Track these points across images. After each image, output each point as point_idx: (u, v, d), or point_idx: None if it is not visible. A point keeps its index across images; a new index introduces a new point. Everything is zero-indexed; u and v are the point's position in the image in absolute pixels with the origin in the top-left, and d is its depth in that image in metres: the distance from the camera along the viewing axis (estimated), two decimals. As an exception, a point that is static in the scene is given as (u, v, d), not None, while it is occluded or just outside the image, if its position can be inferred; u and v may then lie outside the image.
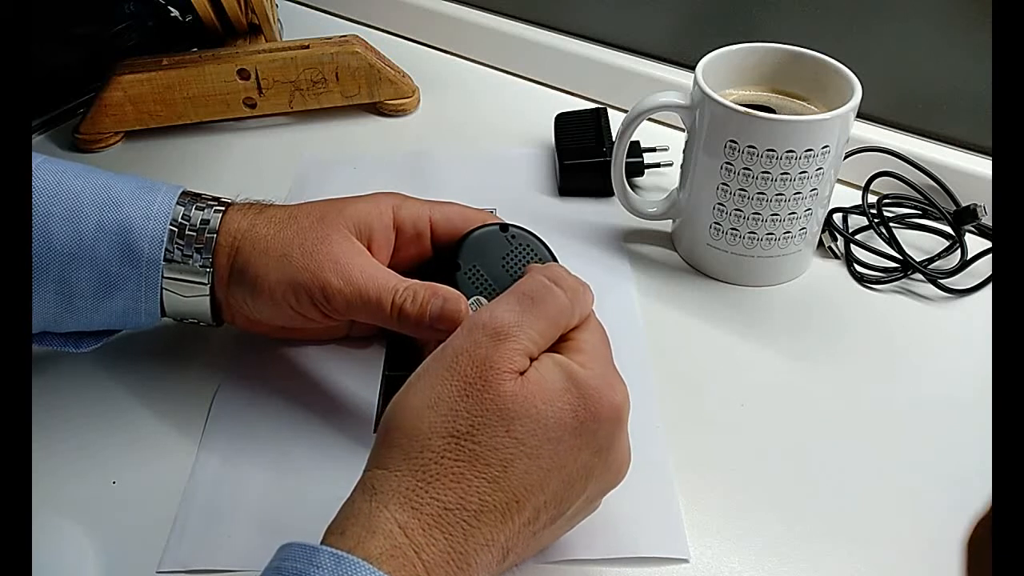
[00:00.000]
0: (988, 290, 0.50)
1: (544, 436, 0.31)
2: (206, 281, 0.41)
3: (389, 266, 0.42)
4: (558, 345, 0.34)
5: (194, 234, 0.40)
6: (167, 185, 0.42)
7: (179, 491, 0.39)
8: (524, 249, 0.42)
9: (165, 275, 0.40)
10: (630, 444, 0.35)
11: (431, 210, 0.44)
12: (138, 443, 0.42)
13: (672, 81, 0.65)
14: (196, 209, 0.41)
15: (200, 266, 0.40)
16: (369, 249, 0.41)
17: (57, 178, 0.40)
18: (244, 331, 0.45)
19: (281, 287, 0.40)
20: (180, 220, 0.40)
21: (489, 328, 0.32)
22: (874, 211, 0.53)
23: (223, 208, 0.42)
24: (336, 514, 0.31)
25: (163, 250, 0.40)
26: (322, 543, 0.29)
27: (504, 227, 0.43)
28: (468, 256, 0.41)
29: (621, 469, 0.35)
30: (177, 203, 0.41)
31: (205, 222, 0.41)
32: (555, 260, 0.43)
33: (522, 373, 0.32)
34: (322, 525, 0.38)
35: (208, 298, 0.41)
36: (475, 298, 0.40)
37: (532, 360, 0.33)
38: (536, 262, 0.42)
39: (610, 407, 0.32)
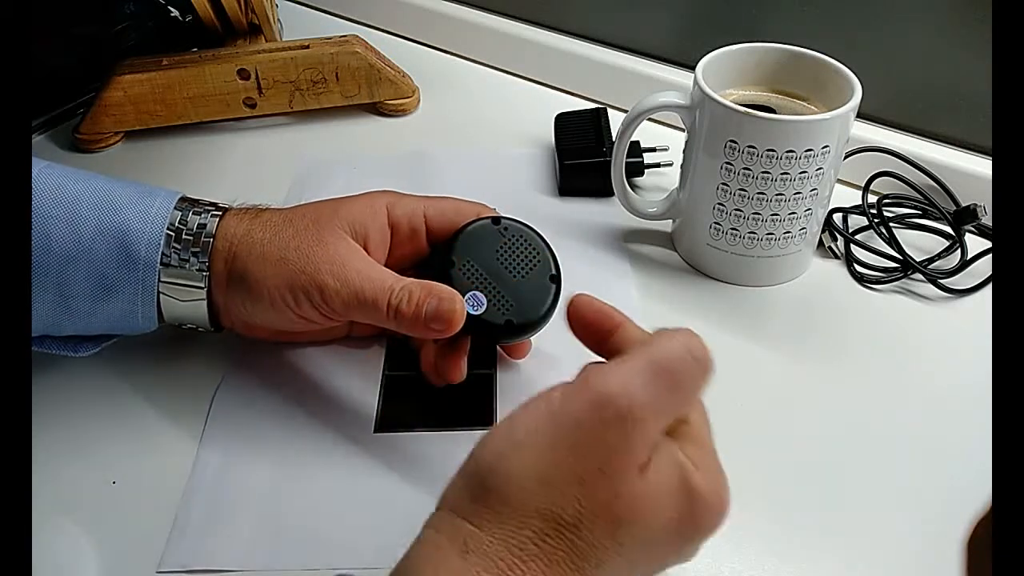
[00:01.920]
0: (988, 290, 0.50)
1: (644, 540, 0.29)
2: (203, 285, 0.41)
3: (386, 264, 0.42)
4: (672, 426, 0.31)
5: (191, 238, 0.41)
6: (165, 190, 0.42)
7: (179, 491, 0.39)
8: (518, 241, 0.42)
9: (162, 279, 0.40)
10: None
11: (425, 206, 0.44)
12: (138, 443, 0.42)
13: (672, 81, 0.65)
14: (193, 214, 0.41)
15: (197, 270, 0.41)
16: (365, 248, 0.41)
17: (57, 182, 0.40)
18: (244, 336, 0.45)
19: (279, 290, 0.40)
20: (177, 225, 0.41)
21: (622, 408, 0.29)
22: (874, 211, 0.53)
23: (220, 213, 0.42)
24: (412, 552, 0.29)
25: (160, 254, 0.40)
26: None
27: (496, 220, 0.43)
28: (462, 252, 0.41)
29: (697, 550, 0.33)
30: (175, 208, 0.41)
31: (202, 227, 0.41)
32: (549, 249, 0.43)
33: (642, 467, 0.29)
34: (322, 525, 0.38)
35: (205, 302, 0.41)
36: (471, 293, 0.40)
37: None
38: (530, 252, 0.42)
39: (715, 519, 0.31)
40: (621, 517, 0.29)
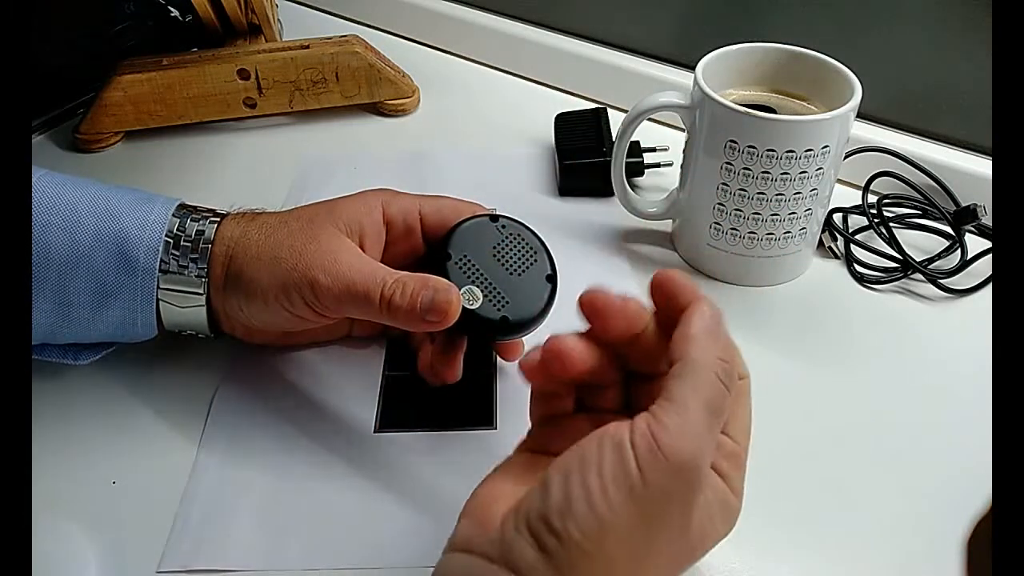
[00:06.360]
0: (988, 290, 0.50)
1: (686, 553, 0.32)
2: (202, 291, 0.41)
3: (382, 261, 0.42)
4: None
5: (189, 245, 0.41)
6: (164, 197, 0.42)
7: (179, 491, 0.39)
8: (514, 239, 0.42)
9: (161, 285, 0.40)
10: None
11: (421, 204, 0.44)
12: (138, 443, 0.42)
13: (672, 81, 0.65)
14: (191, 221, 0.41)
15: (196, 276, 0.41)
16: (361, 247, 0.41)
17: (56, 190, 0.40)
18: (245, 341, 0.45)
19: (273, 290, 0.40)
20: (176, 231, 0.41)
21: (700, 470, 0.29)
22: (874, 211, 0.53)
23: (218, 219, 0.42)
24: None
25: (159, 260, 0.40)
26: None
27: (494, 217, 0.42)
28: (458, 246, 0.41)
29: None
30: (173, 215, 0.41)
31: (200, 233, 0.41)
32: (545, 249, 0.43)
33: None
34: (322, 525, 0.38)
35: (204, 308, 0.41)
36: (467, 287, 0.40)
37: None
38: (527, 250, 0.42)
39: (734, 522, 0.33)
40: (683, 557, 0.31)
